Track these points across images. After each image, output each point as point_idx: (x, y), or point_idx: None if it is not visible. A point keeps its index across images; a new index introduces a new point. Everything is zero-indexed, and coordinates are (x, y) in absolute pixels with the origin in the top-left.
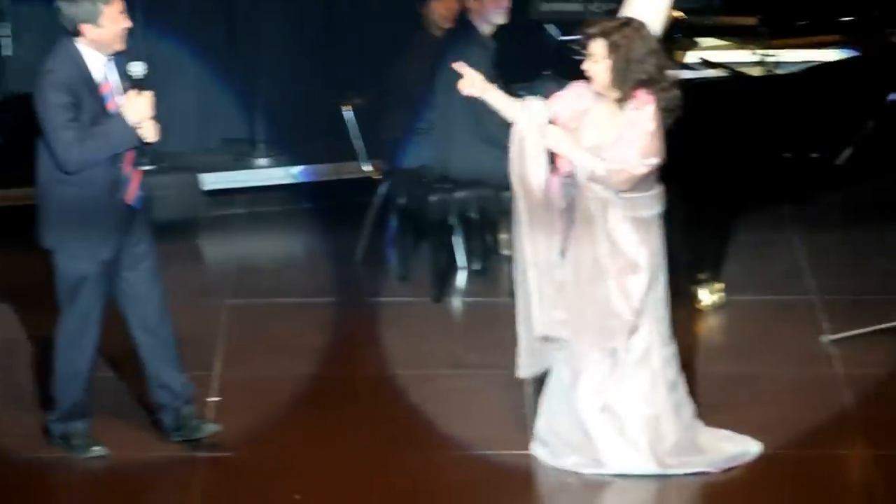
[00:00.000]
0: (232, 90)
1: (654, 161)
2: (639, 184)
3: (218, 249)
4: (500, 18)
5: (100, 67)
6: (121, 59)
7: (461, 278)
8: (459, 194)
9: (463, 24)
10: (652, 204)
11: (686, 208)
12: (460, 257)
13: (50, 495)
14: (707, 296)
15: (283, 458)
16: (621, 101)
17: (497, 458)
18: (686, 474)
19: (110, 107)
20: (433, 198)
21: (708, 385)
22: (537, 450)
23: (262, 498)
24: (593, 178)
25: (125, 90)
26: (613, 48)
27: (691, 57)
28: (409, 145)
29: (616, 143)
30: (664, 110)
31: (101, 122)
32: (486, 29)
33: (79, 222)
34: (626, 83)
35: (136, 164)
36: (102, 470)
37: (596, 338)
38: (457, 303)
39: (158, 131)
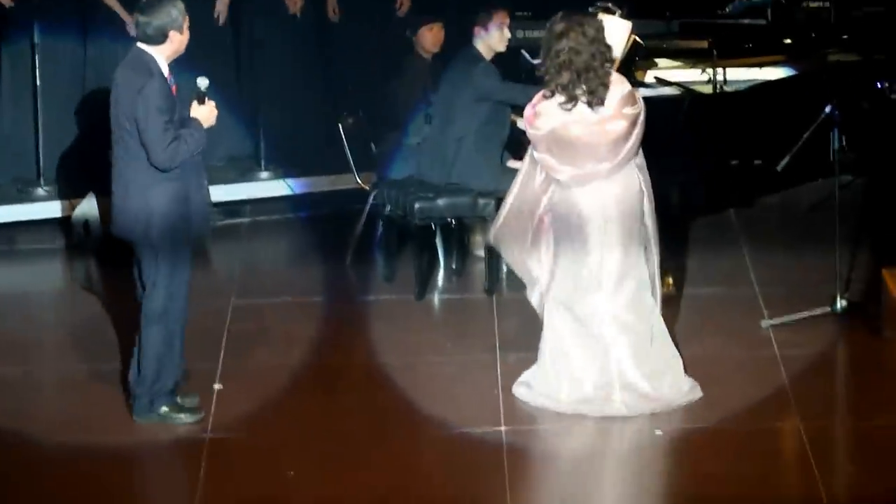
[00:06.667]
0: (238, 113)
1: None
2: None
3: (224, 254)
4: (501, 46)
5: (167, 74)
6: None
7: (440, 277)
8: (441, 201)
9: (466, 48)
10: None
11: None
12: (440, 258)
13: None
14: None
15: (280, 439)
16: None
17: (473, 434)
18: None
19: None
20: (418, 205)
21: None
22: (518, 389)
23: (260, 474)
24: None
25: (191, 101)
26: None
27: (649, 76)
28: (396, 159)
29: None
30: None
31: (186, 125)
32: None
33: (180, 212)
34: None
35: None
36: (121, 448)
37: None
38: (436, 299)
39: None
